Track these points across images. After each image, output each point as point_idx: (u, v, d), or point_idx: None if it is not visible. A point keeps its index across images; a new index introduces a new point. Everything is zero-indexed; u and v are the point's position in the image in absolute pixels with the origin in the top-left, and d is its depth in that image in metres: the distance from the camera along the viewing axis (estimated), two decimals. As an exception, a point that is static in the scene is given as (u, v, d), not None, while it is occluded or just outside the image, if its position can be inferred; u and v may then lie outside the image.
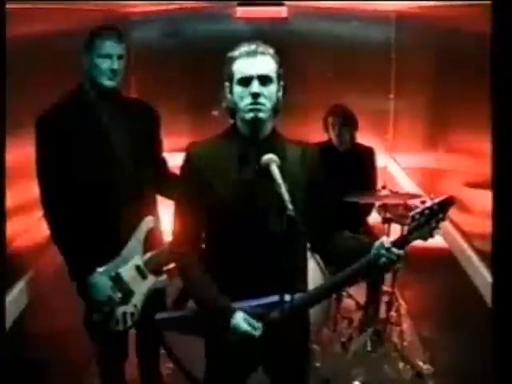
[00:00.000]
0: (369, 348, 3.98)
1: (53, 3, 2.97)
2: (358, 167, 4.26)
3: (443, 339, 3.78)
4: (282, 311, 2.02)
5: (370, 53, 5.04)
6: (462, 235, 3.18)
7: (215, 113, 2.35)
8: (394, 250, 2.10)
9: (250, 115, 2.10)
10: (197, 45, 4.97)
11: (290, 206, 1.93)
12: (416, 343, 4.15)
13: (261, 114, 2.09)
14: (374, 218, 4.27)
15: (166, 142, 3.09)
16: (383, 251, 2.10)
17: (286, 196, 1.96)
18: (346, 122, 4.21)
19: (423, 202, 2.24)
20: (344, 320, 4.27)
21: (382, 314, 4.12)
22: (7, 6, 2.14)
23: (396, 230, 3.78)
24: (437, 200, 2.13)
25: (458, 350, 3.40)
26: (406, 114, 4.90)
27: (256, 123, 2.12)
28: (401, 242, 2.13)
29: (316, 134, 4.29)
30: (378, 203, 4.06)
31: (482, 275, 2.75)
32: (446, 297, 3.71)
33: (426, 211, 2.11)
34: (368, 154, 4.38)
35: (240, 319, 2.11)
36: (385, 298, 4.15)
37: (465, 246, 3.11)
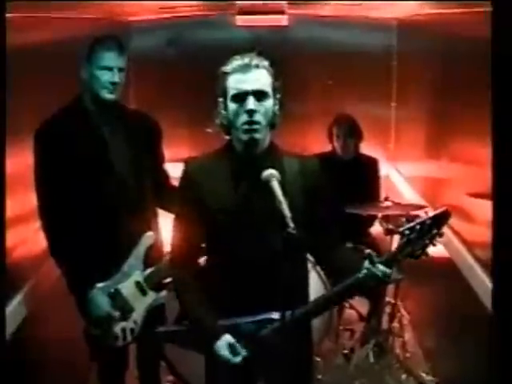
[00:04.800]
0: (371, 359, 3.93)
1: (52, 12, 2.96)
2: (361, 178, 4.24)
3: (446, 349, 3.75)
4: (274, 328, 2.00)
5: (372, 61, 5.02)
6: (464, 244, 3.16)
7: (209, 130, 2.30)
8: (381, 267, 2.01)
9: (245, 137, 2.04)
10: (197, 53, 4.94)
11: (290, 224, 1.88)
12: (419, 354, 4.12)
13: (257, 135, 2.04)
14: (377, 228, 4.24)
15: (166, 152, 3.07)
16: (370, 268, 2.02)
17: (287, 212, 1.91)
18: (351, 132, 4.18)
19: (417, 216, 2.09)
20: (346, 331, 4.23)
21: (385, 325, 4.08)
22: (7, 14, 2.12)
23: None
24: (430, 214, 2.01)
25: (461, 360, 3.36)
26: (408, 123, 4.87)
27: (252, 143, 2.07)
28: (389, 260, 2.04)
29: (317, 143, 4.28)
30: (380, 215, 4.02)
31: (484, 284, 2.72)
32: (448, 307, 3.68)
33: (417, 226, 1.98)
34: (372, 165, 4.36)
35: (223, 344, 2.09)
36: (387, 309, 4.11)
37: (467, 255, 3.08)
